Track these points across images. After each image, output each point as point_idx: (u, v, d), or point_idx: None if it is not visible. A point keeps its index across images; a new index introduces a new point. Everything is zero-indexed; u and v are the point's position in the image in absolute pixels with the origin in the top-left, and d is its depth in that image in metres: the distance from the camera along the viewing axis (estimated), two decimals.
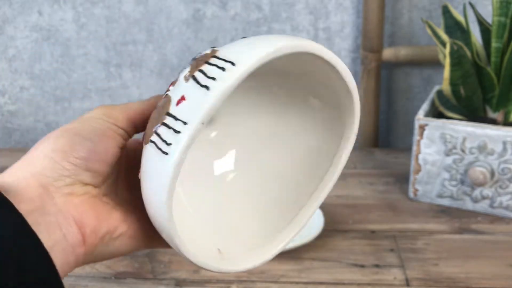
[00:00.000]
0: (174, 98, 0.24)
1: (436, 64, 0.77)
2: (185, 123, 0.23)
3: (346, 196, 0.63)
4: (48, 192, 0.25)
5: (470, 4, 0.60)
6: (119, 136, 0.27)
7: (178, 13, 0.79)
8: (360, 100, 0.85)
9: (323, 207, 0.59)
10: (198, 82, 0.24)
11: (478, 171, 0.56)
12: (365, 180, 0.67)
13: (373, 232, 0.56)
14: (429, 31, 0.60)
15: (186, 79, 0.25)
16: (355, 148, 0.80)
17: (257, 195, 0.32)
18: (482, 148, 0.55)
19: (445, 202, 0.60)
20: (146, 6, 0.79)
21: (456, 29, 0.61)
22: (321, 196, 0.31)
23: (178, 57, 0.82)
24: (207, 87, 0.23)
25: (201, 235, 0.29)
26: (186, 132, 0.23)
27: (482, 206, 0.58)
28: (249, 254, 0.29)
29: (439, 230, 0.56)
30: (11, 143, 0.90)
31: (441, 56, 0.61)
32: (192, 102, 0.23)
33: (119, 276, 0.50)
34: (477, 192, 0.58)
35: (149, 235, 0.29)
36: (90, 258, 0.26)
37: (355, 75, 0.80)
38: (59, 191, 0.25)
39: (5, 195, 0.23)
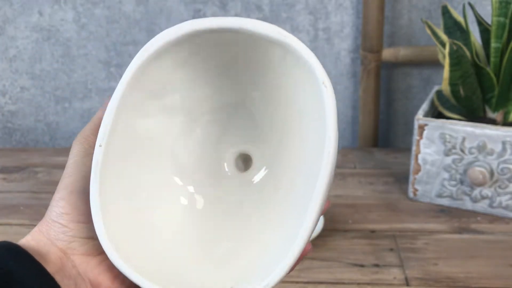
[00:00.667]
0: None
1: (436, 64, 0.77)
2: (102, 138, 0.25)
3: (346, 196, 0.64)
4: (67, 255, 0.25)
5: (470, 4, 0.60)
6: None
7: (179, 13, 0.79)
8: (360, 100, 0.86)
9: None
10: None
11: (478, 171, 0.56)
12: (365, 180, 0.67)
13: (372, 231, 0.56)
14: (428, 31, 0.60)
15: None
16: (355, 148, 0.81)
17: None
18: (481, 148, 0.56)
19: (445, 202, 0.60)
20: (147, 7, 0.79)
21: (455, 29, 0.61)
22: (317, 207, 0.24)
23: None
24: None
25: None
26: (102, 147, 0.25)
27: (482, 206, 0.58)
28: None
29: (439, 230, 0.56)
30: (12, 143, 0.90)
31: (440, 56, 0.61)
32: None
33: None
34: (476, 192, 0.58)
35: None
36: None
37: (354, 75, 0.81)
38: (76, 252, 0.26)
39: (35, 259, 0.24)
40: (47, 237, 0.26)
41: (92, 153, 0.26)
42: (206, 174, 0.29)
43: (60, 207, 0.26)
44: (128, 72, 0.25)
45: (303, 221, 0.24)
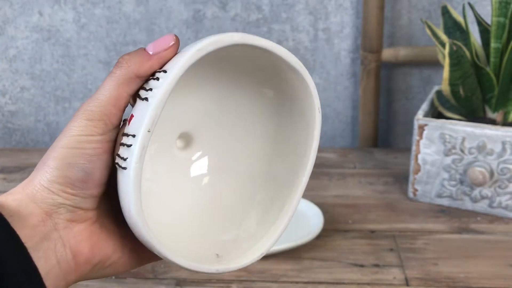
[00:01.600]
0: (128, 119, 0.27)
1: (436, 64, 0.77)
2: (134, 136, 0.25)
3: (346, 196, 0.64)
4: (51, 218, 0.26)
5: (469, 4, 0.60)
6: (107, 145, 0.27)
7: (178, 13, 0.79)
8: (360, 100, 0.86)
9: (322, 207, 0.59)
10: (140, 98, 0.26)
11: (478, 171, 0.56)
12: (365, 180, 0.67)
13: (372, 231, 0.56)
14: (428, 31, 0.60)
15: (134, 100, 0.27)
16: (355, 148, 0.81)
17: (239, 196, 0.32)
18: (481, 148, 0.56)
19: (445, 202, 0.60)
20: (146, 7, 0.79)
21: (455, 29, 0.61)
22: (299, 190, 0.31)
23: None
24: (146, 99, 0.26)
25: (192, 240, 0.30)
26: (137, 143, 0.25)
27: (482, 206, 0.58)
28: (242, 254, 0.30)
29: (439, 230, 0.56)
30: (12, 143, 0.90)
31: (440, 57, 0.61)
32: (138, 116, 0.26)
33: (119, 276, 0.50)
34: (476, 192, 0.58)
35: (142, 256, 0.29)
36: (80, 280, 0.28)
37: (354, 75, 0.81)
38: (62, 217, 0.26)
39: (9, 218, 0.24)
40: (31, 198, 0.26)
41: (94, 147, 0.26)
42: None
43: (54, 175, 0.26)
44: (180, 66, 0.25)
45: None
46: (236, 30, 0.79)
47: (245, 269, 0.50)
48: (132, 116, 0.26)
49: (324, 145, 0.86)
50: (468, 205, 0.59)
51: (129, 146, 0.25)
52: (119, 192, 0.26)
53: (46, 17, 0.81)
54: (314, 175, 0.69)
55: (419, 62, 0.77)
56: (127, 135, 0.26)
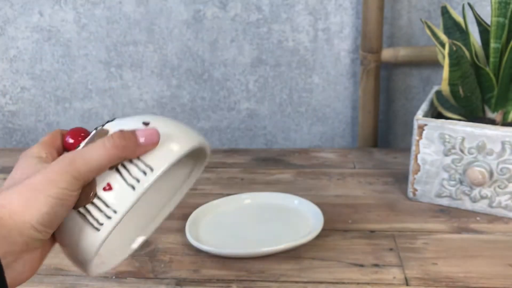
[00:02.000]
0: (100, 181, 0.32)
1: (435, 64, 0.77)
2: (115, 211, 0.31)
3: (346, 196, 0.64)
4: (28, 247, 0.31)
5: (469, 4, 0.60)
6: (70, 199, 0.32)
7: (179, 13, 0.79)
8: (360, 100, 0.86)
9: (322, 207, 0.59)
10: (124, 179, 0.32)
11: (477, 171, 0.56)
12: (364, 180, 0.68)
13: (372, 231, 0.56)
14: (428, 31, 0.60)
15: (111, 168, 0.32)
16: (354, 148, 0.81)
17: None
18: (481, 148, 0.56)
19: (444, 201, 0.60)
20: (147, 7, 0.79)
21: (455, 29, 0.61)
22: (167, 211, 0.42)
23: (179, 58, 0.82)
24: (133, 187, 0.32)
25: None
26: (115, 218, 0.31)
27: (481, 206, 0.58)
28: (117, 256, 0.39)
29: (438, 230, 0.56)
30: (12, 143, 0.90)
31: (440, 57, 0.61)
32: (120, 194, 0.32)
33: (119, 276, 0.50)
34: (476, 192, 0.58)
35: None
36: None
37: (354, 75, 0.81)
38: (31, 246, 0.31)
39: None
40: (19, 232, 0.30)
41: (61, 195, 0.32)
42: None
43: (44, 220, 0.31)
44: (164, 168, 0.32)
45: None
46: (236, 31, 0.80)
47: (245, 269, 0.50)
48: (109, 186, 0.32)
49: (324, 145, 0.86)
50: (467, 205, 0.59)
51: (108, 217, 0.31)
52: (72, 234, 0.32)
53: (46, 17, 0.81)
54: (314, 175, 0.70)
55: (419, 62, 0.77)
56: (105, 204, 0.31)
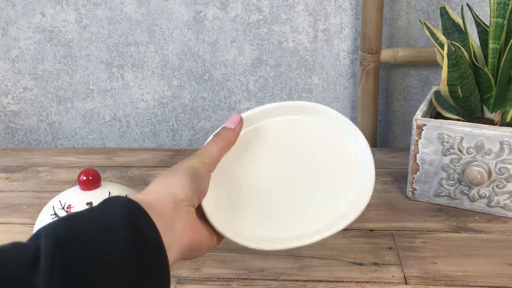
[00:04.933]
0: None
1: (434, 65, 0.78)
2: None
3: None
4: (177, 207, 0.38)
5: (468, 5, 0.61)
6: (210, 175, 0.43)
7: (179, 14, 0.80)
8: (359, 100, 0.86)
9: None
10: None
11: (476, 171, 0.56)
12: None
13: (371, 230, 0.56)
14: (427, 32, 0.60)
15: None
16: None
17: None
18: (479, 148, 0.56)
19: (443, 201, 0.61)
20: (148, 8, 0.80)
21: (453, 30, 0.61)
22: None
23: (180, 58, 0.82)
24: None
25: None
26: None
27: (479, 205, 0.59)
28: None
29: (437, 229, 0.56)
30: (14, 142, 0.91)
31: (438, 57, 0.62)
32: None
33: None
34: (474, 192, 0.58)
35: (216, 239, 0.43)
36: (184, 257, 0.39)
37: (353, 76, 0.81)
38: (183, 208, 0.39)
39: (149, 208, 0.35)
40: (166, 192, 0.38)
41: (206, 173, 0.43)
42: None
43: (187, 183, 0.39)
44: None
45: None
46: (237, 31, 0.80)
47: (246, 267, 0.51)
48: None
49: None
50: (466, 204, 0.60)
51: None
52: None
53: (48, 18, 0.81)
54: None
55: (418, 63, 0.78)
56: None
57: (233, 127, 0.45)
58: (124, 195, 0.37)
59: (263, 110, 0.48)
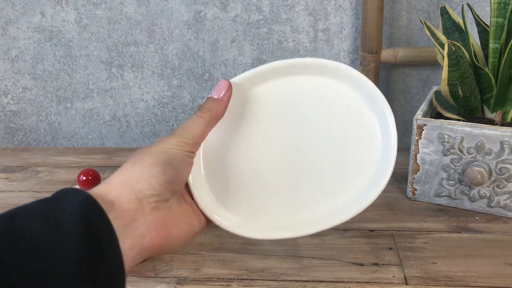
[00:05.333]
0: None
1: (434, 64, 0.77)
2: None
3: None
4: (142, 205, 0.33)
5: (468, 5, 0.61)
6: (192, 160, 0.36)
7: (179, 14, 0.80)
8: None
9: None
10: None
11: (476, 171, 0.56)
12: None
13: (371, 231, 0.56)
14: (427, 32, 0.60)
15: None
16: None
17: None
18: (479, 148, 0.56)
19: (443, 201, 0.61)
20: (148, 8, 0.80)
21: (454, 30, 0.61)
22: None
23: (179, 58, 0.82)
24: None
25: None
26: None
27: (480, 205, 0.59)
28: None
29: (437, 229, 0.56)
30: (14, 143, 0.90)
31: (439, 57, 0.62)
32: None
33: None
34: (474, 192, 0.58)
35: (201, 222, 0.39)
36: (153, 256, 0.36)
37: None
38: (149, 205, 0.33)
39: (108, 206, 0.30)
40: (130, 186, 0.33)
41: (185, 157, 0.36)
42: None
43: (155, 171, 0.33)
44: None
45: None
46: (237, 31, 0.80)
47: (246, 268, 0.51)
48: None
49: None
50: (466, 204, 0.59)
51: None
52: None
53: (48, 17, 0.81)
54: None
55: (418, 63, 0.78)
56: None
57: (220, 95, 0.37)
58: None
59: (259, 72, 0.39)
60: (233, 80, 0.38)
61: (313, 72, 0.39)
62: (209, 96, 0.38)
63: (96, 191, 0.32)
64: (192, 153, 0.36)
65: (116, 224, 0.30)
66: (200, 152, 0.39)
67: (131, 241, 0.31)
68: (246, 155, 0.39)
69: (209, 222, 0.39)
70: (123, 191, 0.32)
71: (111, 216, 0.30)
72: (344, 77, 0.39)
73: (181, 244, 0.37)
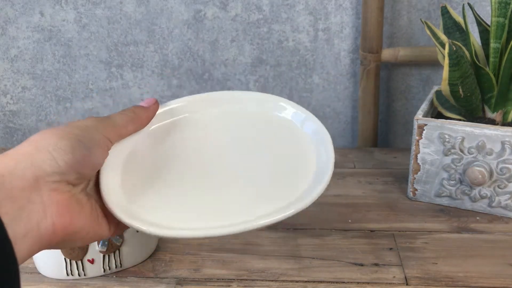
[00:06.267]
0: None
1: (435, 64, 0.77)
2: None
3: (345, 195, 0.64)
4: (38, 184, 0.28)
5: (469, 5, 0.61)
6: (107, 148, 0.33)
7: (179, 14, 0.79)
8: (360, 100, 0.86)
9: (322, 206, 0.59)
10: None
11: (477, 171, 0.56)
12: (364, 180, 0.68)
13: (372, 231, 0.56)
14: (428, 31, 0.60)
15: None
16: (354, 147, 0.81)
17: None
18: (480, 148, 0.56)
19: (444, 201, 0.60)
20: (147, 7, 0.79)
21: (455, 29, 0.61)
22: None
23: (179, 58, 0.82)
24: None
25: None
26: None
27: (481, 206, 0.59)
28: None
29: (438, 229, 0.56)
30: (13, 143, 0.90)
31: (440, 57, 0.61)
32: None
33: (120, 275, 0.50)
34: (475, 192, 0.58)
35: (111, 228, 0.34)
36: (53, 247, 0.30)
37: (354, 75, 0.81)
38: (48, 185, 0.28)
39: (1, 178, 0.27)
40: (30, 160, 0.28)
41: (102, 140, 0.33)
42: None
43: (62, 144, 0.29)
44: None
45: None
46: (237, 31, 0.80)
47: (246, 268, 0.50)
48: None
49: None
50: (467, 204, 0.59)
51: None
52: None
53: (47, 17, 0.81)
54: None
55: (419, 62, 0.78)
56: None
57: (147, 105, 0.39)
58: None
59: (193, 101, 0.44)
60: (166, 104, 0.43)
61: (239, 102, 0.46)
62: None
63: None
64: (109, 140, 0.33)
65: (4, 205, 0.25)
66: (122, 155, 0.38)
67: (25, 227, 0.26)
68: (167, 163, 0.40)
69: (120, 225, 0.35)
70: (20, 163, 0.28)
71: None
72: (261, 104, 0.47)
73: (91, 241, 0.32)
